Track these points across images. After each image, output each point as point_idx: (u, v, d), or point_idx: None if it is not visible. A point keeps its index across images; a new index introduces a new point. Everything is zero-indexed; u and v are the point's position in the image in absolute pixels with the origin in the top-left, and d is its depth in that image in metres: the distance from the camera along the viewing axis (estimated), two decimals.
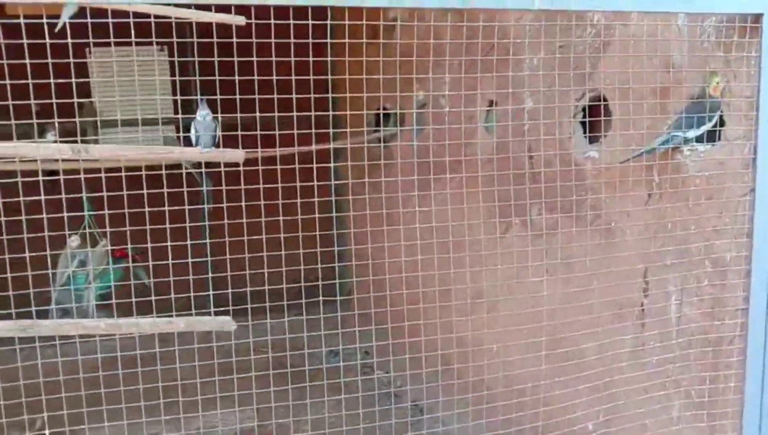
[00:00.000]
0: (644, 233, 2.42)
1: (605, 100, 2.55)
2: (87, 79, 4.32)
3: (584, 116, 2.75)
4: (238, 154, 2.51)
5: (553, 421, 2.66)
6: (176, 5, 2.42)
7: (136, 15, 2.35)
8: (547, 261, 2.79)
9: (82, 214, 3.23)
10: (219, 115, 2.61)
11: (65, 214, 2.50)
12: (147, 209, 2.56)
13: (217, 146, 2.76)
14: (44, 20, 2.39)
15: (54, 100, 2.32)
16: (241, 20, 2.51)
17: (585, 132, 2.77)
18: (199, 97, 2.81)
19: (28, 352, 2.64)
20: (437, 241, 2.86)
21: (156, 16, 2.39)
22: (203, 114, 2.70)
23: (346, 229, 4.86)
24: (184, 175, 2.76)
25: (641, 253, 2.41)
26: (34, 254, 2.53)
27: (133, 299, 2.60)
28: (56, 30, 2.39)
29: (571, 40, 2.66)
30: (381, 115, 4.53)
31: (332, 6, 1.94)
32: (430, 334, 2.78)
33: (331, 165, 2.89)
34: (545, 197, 2.72)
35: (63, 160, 2.53)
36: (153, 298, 2.57)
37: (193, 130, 2.70)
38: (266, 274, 2.91)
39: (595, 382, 2.61)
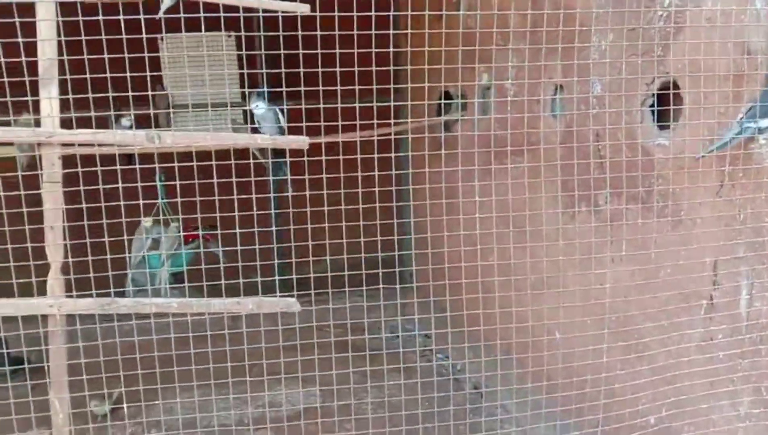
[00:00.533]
0: (715, 224, 2.34)
1: (676, 86, 2.47)
2: (159, 73, 4.48)
3: (654, 103, 2.66)
4: (301, 141, 2.56)
5: (613, 413, 2.63)
6: None
7: (206, 5, 2.42)
8: (613, 251, 2.74)
9: (155, 201, 3.40)
10: (284, 106, 2.69)
11: (140, 202, 2.63)
12: (217, 197, 2.67)
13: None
14: (121, 15, 2.50)
15: (129, 94, 2.44)
16: (305, 8, 2.55)
17: (654, 119, 2.69)
18: (247, 90, 2.87)
19: (107, 329, 2.80)
20: (499, 230, 2.85)
21: (224, 6, 2.45)
22: (261, 105, 2.74)
23: (408, 216, 4.88)
24: (251, 162, 2.85)
25: (711, 244, 2.33)
26: (113, 239, 2.68)
27: (204, 282, 2.72)
28: (158, 17, 2.48)
29: (641, 24, 2.58)
30: (442, 101, 4.50)
31: None
32: (491, 322, 2.78)
33: (392, 155, 2.91)
34: (613, 185, 2.66)
35: (124, 146, 2.63)
36: (223, 281, 2.67)
37: (258, 125, 2.74)
38: (328, 261, 2.98)
39: (660, 375, 2.56)
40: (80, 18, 2.29)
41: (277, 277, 2.71)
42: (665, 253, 2.50)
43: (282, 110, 2.92)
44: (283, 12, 2.59)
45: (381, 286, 2.93)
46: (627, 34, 2.59)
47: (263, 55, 4.47)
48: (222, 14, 2.33)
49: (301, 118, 2.64)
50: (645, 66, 2.57)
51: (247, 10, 2.46)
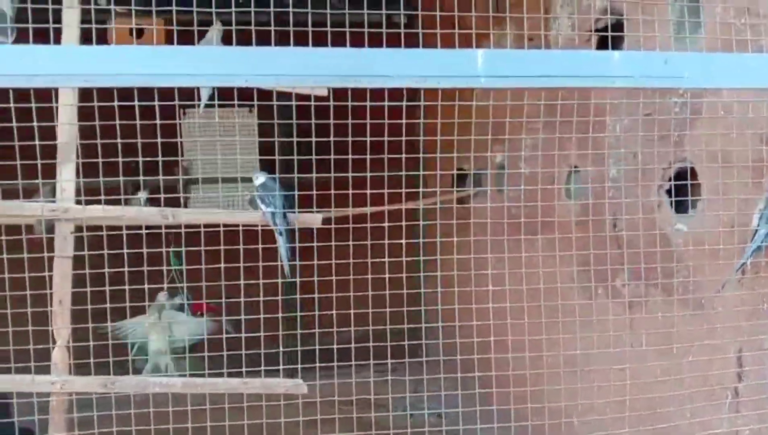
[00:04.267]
0: (739, 314, 2.28)
1: (694, 174, 2.46)
2: (179, 139, 4.57)
3: (671, 188, 2.65)
4: (315, 219, 2.56)
5: None
6: None
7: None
8: (633, 337, 2.66)
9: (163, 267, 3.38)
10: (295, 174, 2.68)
11: (146, 285, 2.60)
12: (223, 265, 2.64)
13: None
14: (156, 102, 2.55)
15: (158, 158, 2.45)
16: (323, 91, 2.60)
17: (671, 205, 2.67)
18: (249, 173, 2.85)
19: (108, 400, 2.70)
20: (511, 305, 2.79)
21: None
22: (266, 183, 2.70)
23: (420, 289, 4.81)
24: (259, 232, 2.83)
25: (735, 335, 2.26)
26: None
27: (206, 353, 2.66)
28: (199, 111, 2.53)
29: (658, 110, 2.60)
30: (455, 176, 4.53)
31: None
32: (503, 403, 2.70)
33: (403, 223, 2.89)
34: (632, 268, 2.61)
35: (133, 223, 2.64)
36: (225, 352, 2.61)
37: (260, 202, 2.69)
38: (335, 333, 2.92)
39: None
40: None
41: (281, 349, 2.65)
42: (686, 338, 2.43)
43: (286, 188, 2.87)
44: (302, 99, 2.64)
45: (390, 359, 2.86)
46: (642, 122, 2.60)
47: (277, 139, 4.54)
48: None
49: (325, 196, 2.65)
50: (660, 153, 2.57)
51: (262, 93, 2.51)
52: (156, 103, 2.42)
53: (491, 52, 1.54)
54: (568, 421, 2.93)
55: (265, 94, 2.67)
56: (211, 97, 3.05)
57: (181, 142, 4.66)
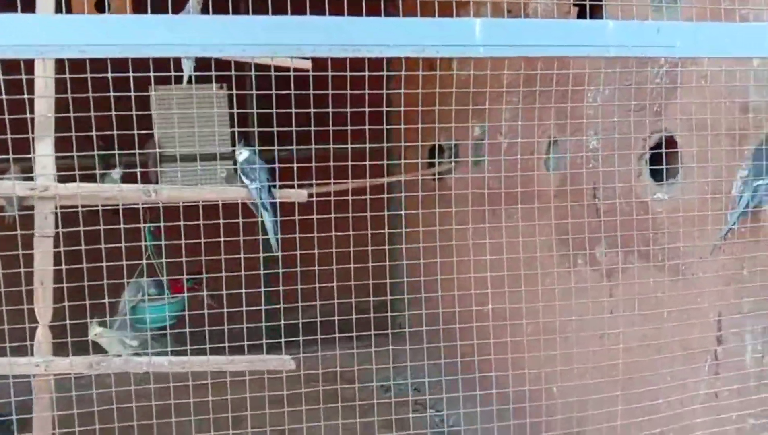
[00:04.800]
0: (719, 280, 2.34)
1: (673, 143, 2.50)
2: (147, 112, 4.44)
3: (649, 158, 2.70)
4: (301, 195, 2.53)
5: None
6: None
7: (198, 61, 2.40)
8: (612, 304, 2.72)
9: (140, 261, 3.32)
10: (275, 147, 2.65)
11: (124, 261, 2.54)
12: (203, 240, 2.60)
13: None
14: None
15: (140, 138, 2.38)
16: (307, 64, 2.55)
17: (651, 174, 2.72)
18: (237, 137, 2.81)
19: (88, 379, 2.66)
20: (492, 275, 2.82)
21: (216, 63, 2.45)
22: (247, 156, 2.68)
23: (399, 262, 4.84)
24: (239, 206, 2.79)
25: (715, 300, 2.33)
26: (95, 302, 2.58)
27: (187, 329, 2.63)
28: (183, 83, 2.46)
29: (637, 79, 2.62)
30: (436, 149, 4.53)
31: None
32: (485, 370, 2.74)
33: (385, 195, 2.89)
34: (611, 237, 2.65)
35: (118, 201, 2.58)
36: (207, 328, 2.59)
37: (245, 177, 2.67)
38: (318, 307, 2.92)
39: (665, 428, 2.53)
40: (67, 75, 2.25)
41: (264, 323, 2.63)
42: (666, 304, 2.49)
43: (264, 164, 2.82)
44: (281, 71, 2.59)
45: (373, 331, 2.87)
46: (621, 91, 2.63)
47: (255, 113, 4.45)
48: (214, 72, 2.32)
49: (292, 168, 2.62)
50: (640, 123, 2.60)
51: (238, 67, 2.45)
52: (131, 74, 2.35)
53: (489, 21, 1.53)
54: (548, 387, 3.00)
55: (239, 67, 2.61)
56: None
57: (153, 118, 4.54)
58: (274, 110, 2.33)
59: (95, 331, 2.36)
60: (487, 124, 3.48)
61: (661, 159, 2.45)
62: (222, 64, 2.42)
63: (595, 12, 2.88)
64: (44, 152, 2.12)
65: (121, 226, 2.50)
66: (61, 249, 2.43)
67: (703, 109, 2.31)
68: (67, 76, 2.28)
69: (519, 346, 2.77)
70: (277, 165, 2.69)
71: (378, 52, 1.51)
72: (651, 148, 2.66)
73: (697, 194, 2.37)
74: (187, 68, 2.70)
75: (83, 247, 2.41)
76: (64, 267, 2.48)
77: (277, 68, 2.53)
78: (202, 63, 2.39)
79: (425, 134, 3.11)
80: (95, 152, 2.36)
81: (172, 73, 2.13)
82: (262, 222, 2.75)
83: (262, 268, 3.08)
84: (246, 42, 1.44)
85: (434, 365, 3.22)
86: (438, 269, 2.82)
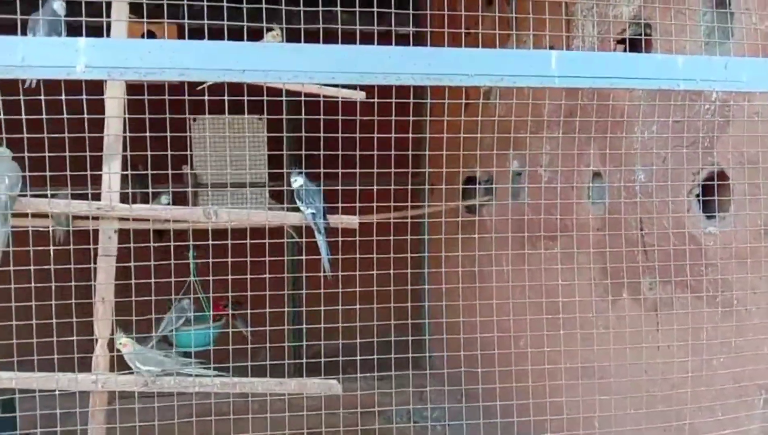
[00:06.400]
0: None
1: (725, 176, 2.52)
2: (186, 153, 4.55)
3: (701, 193, 2.72)
4: (352, 221, 2.57)
5: None
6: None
7: (248, 88, 2.48)
8: (661, 340, 2.71)
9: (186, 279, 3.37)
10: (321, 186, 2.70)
11: (172, 279, 2.59)
12: (249, 276, 2.65)
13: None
14: (166, 94, 2.55)
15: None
16: (362, 96, 2.61)
17: (701, 208, 2.73)
18: (286, 168, 2.89)
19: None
20: (530, 314, 2.82)
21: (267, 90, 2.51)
22: (302, 182, 2.74)
23: (431, 295, 4.84)
24: (285, 237, 2.84)
25: None
26: (141, 318, 2.62)
27: (230, 348, 2.64)
28: (197, 88, 2.53)
29: (687, 114, 2.66)
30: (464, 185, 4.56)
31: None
32: (525, 414, 2.71)
33: (408, 238, 2.92)
34: (660, 271, 2.66)
35: (174, 222, 2.65)
36: (249, 363, 2.60)
37: (300, 202, 2.73)
38: (341, 333, 2.93)
39: None
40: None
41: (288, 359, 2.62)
42: (717, 341, 2.48)
43: (320, 190, 2.89)
44: (328, 98, 2.65)
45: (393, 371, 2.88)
46: (672, 126, 2.67)
47: (286, 138, 4.54)
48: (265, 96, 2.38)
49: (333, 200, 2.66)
50: (691, 157, 2.63)
51: (272, 94, 2.52)
52: (167, 116, 2.43)
53: (563, 54, 1.60)
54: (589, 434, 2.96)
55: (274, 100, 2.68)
56: (219, 105, 3.05)
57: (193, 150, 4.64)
58: (321, 134, 2.38)
59: (120, 340, 2.38)
60: (527, 152, 3.52)
61: (712, 193, 2.48)
62: (257, 94, 2.49)
63: (639, 47, 2.94)
64: (112, 171, 2.17)
65: (171, 243, 2.55)
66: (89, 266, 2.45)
67: (754, 144, 2.34)
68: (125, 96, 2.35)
69: (557, 382, 2.76)
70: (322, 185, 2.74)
71: (458, 81, 1.56)
72: (701, 182, 2.69)
73: (749, 227, 2.39)
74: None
75: (133, 263, 2.46)
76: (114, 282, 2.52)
77: (308, 103, 2.59)
78: (236, 92, 2.46)
79: (462, 165, 3.15)
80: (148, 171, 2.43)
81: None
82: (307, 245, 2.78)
83: (290, 306, 3.10)
84: (333, 70, 1.49)
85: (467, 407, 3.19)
86: (477, 305, 2.82)
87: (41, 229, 2.77)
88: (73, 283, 2.38)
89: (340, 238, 2.79)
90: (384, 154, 2.71)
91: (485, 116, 2.88)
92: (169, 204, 3.33)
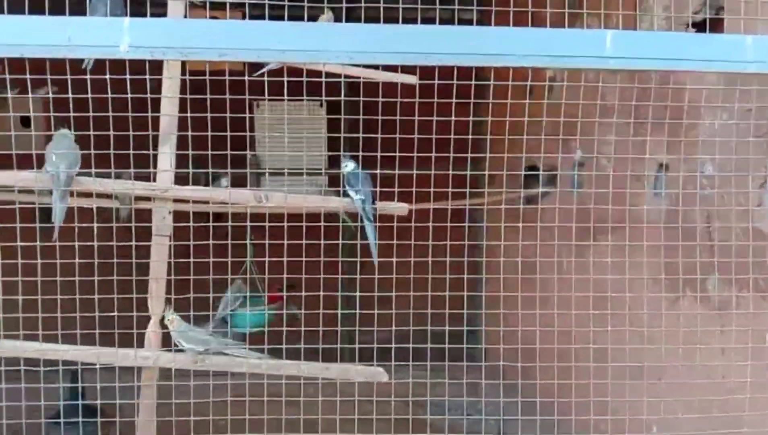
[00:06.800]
0: None
1: None
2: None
3: None
4: (402, 208, 2.55)
5: None
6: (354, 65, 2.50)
7: (308, 73, 2.49)
8: (723, 341, 2.57)
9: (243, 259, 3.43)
10: (378, 171, 2.68)
11: (229, 259, 2.64)
12: (304, 259, 2.67)
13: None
14: (227, 76, 2.59)
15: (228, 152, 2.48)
16: (411, 79, 2.58)
17: None
18: (341, 153, 2.90)
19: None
20: (592, 310, 2.73)
21: (326, 74, 2.51)
22: (353, 167, 2.73)
23: (481, 290, 4.76)
24: (341, 226, 2.84)
25: None
26: (197, 295, 2.68)
27: (284, 332, 2.68)
28: (254, 75, 2.56)
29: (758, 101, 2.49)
30: (527, 174, 4.45)
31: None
32: (582, 413, 2.63)
33: (466, 225, 2.87)
34: (724, 270, 2.52)
35: (232, 205, 2.69)
36: (302, 345, 2.61)
37: (350, 188, 2.72)
38: (393, 324, 2.91)
39: None
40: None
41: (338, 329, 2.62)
42: None
43: (371, 175, 2.88)
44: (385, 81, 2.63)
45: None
46: (742, 114, 2.51)
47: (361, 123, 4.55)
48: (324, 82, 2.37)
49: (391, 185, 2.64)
50: (762, 146, 2.47)
51: (331, 76, 2.51)
52: (227, 96, 2.46)
53: (620, 33, 1.51)
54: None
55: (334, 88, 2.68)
56: (280, 91, 3.07)
57: (253, 136, 4.72)
58: (379, 117, 2.36)
59: (168, 317, 2.44)
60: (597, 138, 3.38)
61: None
62: (317, 85, 2.48)
63: (713, 29, 2.77)
64: (166, 152, 2.22)
65: (229, 223, 2.60)
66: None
67: None
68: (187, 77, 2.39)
69: (619, 382, 2.66)
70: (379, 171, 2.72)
71: (505, 62, 1.51)
72: None
73: None
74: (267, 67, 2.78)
75: (191, 241, 2.51)
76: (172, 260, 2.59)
77: (366, 90, 2.56)
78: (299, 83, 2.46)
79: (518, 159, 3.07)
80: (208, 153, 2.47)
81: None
82: (361, 230, 2.79)
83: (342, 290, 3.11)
84: (374, 50, 1.46)
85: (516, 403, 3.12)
86: (537, 297, 2.75)
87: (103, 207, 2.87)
88: (133, 260, 2.47)
89: (395, 224, 2.78)
90: (443, 138, 2.67)
91: (552, 108, 2.78)
92: (227, 186, 3.40)
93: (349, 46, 1.40)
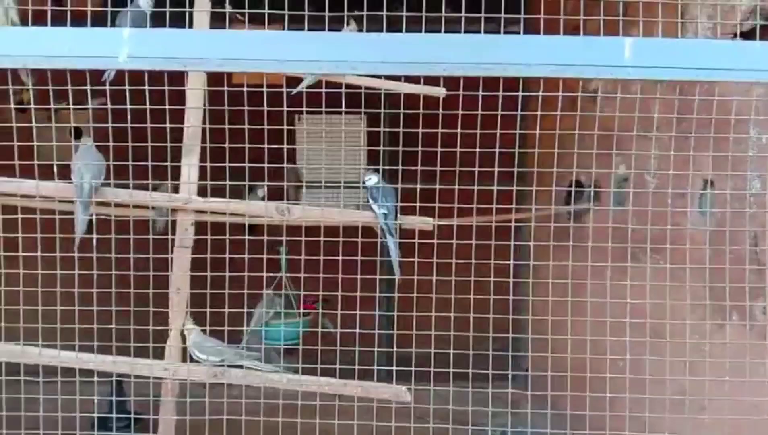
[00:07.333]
0: None
1: None
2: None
3: None
4: (426, 223, 2.49)
5: None
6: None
7: (346, 86, 2.47)
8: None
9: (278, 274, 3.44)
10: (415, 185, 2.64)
11: (264, 274, 2.63)
12: (340, 275, 2.63)
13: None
14: (264, 88, 2.59)
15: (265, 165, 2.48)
16: (442, 91, 2.53)
17: None
18: (364, 166, 2.86)
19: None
20: (631, 329, 2.60)
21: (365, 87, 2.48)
22: (376, 181, 2.69)
23: (526, 306, 4.62)
24: (379, 242, 2.79)
25: None
26: (234, 311, 2.68)
27: (319, 348, 2.64)
28: (293, 93, 2.55)
29: None
30: (573, 190, 4.30)
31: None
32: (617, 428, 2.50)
33: (512, 243, 2.77)
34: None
35: (252, 217, 2.68)
36: (338, 365, 2.57)
37: (373, 202, 2.68)
38: (433, 341, 2.84)
39: None
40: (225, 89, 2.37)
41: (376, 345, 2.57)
42: None
43: (395, 189, 2.82)
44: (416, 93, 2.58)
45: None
46: None
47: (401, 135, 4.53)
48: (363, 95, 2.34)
49: (423, 200, 2.58)
50: None
51: (370, 89, 2.47)
52: (265, 108, 2.46)
53: (640, 40, 1.42)
54: None
55: (373, 101, 2.64)
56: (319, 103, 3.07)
57: (293, 149, 4.75)
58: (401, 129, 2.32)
59: (187, 327, 2.42)
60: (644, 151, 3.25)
61: None
62: (357, 98, 2.46)
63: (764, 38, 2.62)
64: (191, 163, 2.24)
65: (265, 238, 2.59)
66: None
67: None
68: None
69: (657, 416, 2.52)
70: (400, 185, 2.67)
71: (515, 71, 1.44)
72: None
73: None
74: (305, 83, 2.76)
75: (227, 254, 2.51)
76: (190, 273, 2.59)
77: (407, 103, 2.52)
78: (338, 97, 2.46)
79: (561, 174, 2.97)
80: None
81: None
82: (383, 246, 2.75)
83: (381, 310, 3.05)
84: (377, 60, 1.42)
85: (558, 416, 3.00)
86: (588, 321, 2.64)
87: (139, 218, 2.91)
88: (170, 272, 2.48)
89: (435, 241, 2.71)
90: (486, 151, 2.60)
91: (589, 117, 2.68)
92: (264, 198, 3.41)
93: (351, 56, 1.37)
